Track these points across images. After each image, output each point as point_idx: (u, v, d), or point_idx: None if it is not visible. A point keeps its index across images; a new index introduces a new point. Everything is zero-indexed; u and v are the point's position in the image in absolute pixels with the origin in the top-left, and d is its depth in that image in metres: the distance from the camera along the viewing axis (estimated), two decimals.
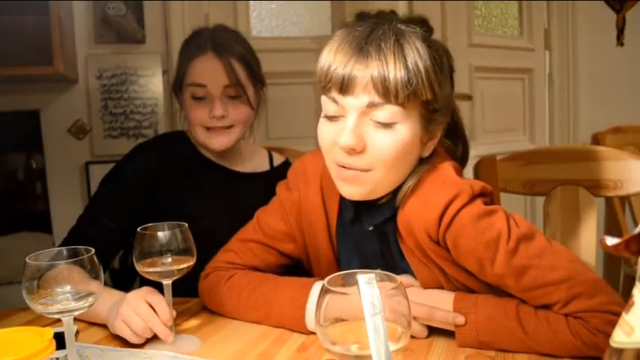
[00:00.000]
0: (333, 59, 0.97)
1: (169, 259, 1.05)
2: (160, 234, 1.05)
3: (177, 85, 1.51)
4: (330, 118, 1.00)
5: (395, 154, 0.97)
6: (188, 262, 1.06)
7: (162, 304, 1.06)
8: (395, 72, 0.93)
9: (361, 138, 0.96)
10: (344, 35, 0.98)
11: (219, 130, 1.47)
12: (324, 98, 1.01)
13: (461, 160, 1.17)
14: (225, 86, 1.44)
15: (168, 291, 1.07)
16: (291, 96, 2.43)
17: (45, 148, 2.25)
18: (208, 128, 1.46)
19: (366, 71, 0.94)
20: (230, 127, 1.47)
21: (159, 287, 1.08)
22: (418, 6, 2.45)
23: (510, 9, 3.05)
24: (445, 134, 1.10)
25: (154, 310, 1.05)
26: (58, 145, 2.26)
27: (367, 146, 0.97)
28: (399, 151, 0.98)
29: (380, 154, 0.97)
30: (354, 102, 0.96)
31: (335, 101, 0.98)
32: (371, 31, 0.97)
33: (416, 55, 0.95)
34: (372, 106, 0.95)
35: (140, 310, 1.04)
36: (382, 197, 1.05)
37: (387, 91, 0.93)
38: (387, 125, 0.96)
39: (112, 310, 1.08)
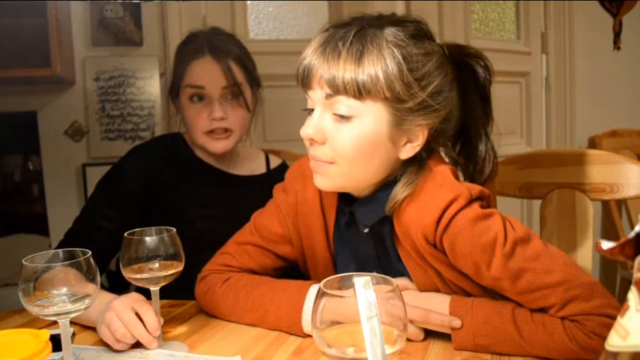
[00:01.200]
0: (302, 56, 1.03)
1: (157, 265, 1.03)
2: (148, 239, 1.03)
3: (174, 89, 1.51)
4: (309, 112, 1.04)
5: (353, 149, 0.99)
6: (176, 268, 1.04)
7: (150, 313, 1.04)
8: (344, 69, 0.96)
9: (321, 130, 1.00)
10: (317, 36, 1.03)
11: (219, 134, 1.47)
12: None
13: (472, 174, 1.14)
14: (223, 87, 1.45)
15: (155, 298, 1.06)
16: (289, 99, 2.40)
17: (42, 150, 2.25)
18: (208, 131, 1.47)
19: (319, 68, 0.99)
20: (229, 130, 1.47)
21: (149, 291, 1.07)
22: (415, 10, 2.45)
23: (507, 13, 3.06)
24: (453, 144, 1.11)
25: (141, 318, 1.03)
26: (55, 147, 2.26)
27: (327, 138, 1.01)
28: (358, 146, 0.99)
29: (338, 147, 1.00)
30: (314, 95, 1.01)
31: (307, 95, 1.04)
32: (336, 32, 1.00)
33: (374, 53, 0.96)
34: (329, 97, 0.99)
35: (124, 316, 1.02)
36: (364, 193, 1.07)
37: (335, 87, 0.97)
38: (345, 118, 0.99)
39: (101, 314, 1.07)
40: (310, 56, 1.01)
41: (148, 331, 1.02)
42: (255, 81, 1.53)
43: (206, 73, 1.45)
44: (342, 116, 0.99)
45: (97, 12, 2.24)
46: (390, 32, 0.99)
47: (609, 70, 3.10)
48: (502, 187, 1.48)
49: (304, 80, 1.02)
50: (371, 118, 0.98)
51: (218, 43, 1.47)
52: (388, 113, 0.99)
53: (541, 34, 3.10)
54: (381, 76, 0.95)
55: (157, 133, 2.30)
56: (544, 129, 3.16)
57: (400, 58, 0.97)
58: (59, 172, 2.27)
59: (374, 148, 1.00)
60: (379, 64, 0.96)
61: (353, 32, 0.98)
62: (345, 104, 0.98)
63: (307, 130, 1.01)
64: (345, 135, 0.99)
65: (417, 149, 1.03)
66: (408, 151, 1.03)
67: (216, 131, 1.47)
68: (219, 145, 1.48)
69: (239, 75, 1.47)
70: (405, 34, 1.00)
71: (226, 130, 1.47)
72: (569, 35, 3.09)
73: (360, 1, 2.24)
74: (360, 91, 0.96)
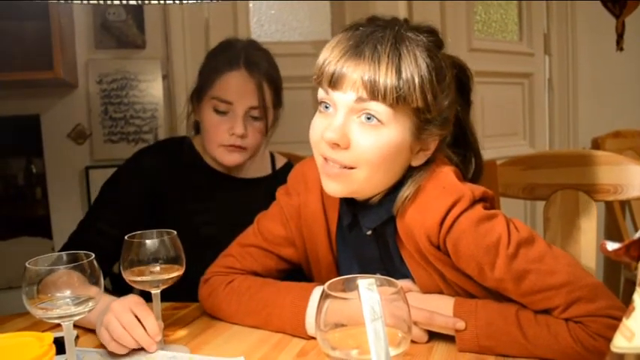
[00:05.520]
0: (329, 55, 0.99)
1: (157, 268, 1.03)
2: (148, 242, 1.03)
3: (197, 92, 1.49)
4: (322, 112, 1.02)
5: (378, 155, 0.98)
6: (177, 272, 1.04)
7: (150, 317, 1.03)
8: (386, 74, 0.94)
9: (345, 135, 0.97)
10: (345, 34, 1.00)
11: (234, 148, 1.46)
12: (319, 90, 1.02)
13: (473, 177, 1.15)
14: (250, 107, 1.44)
15: (156, 301, 1.05)
16: (291, 101, 2.40)
17: (45, 153, 2.25)
18: (224, 144, 1.46)
19: (357, 69, 0.95)
20: (244, 147, 1.47)
21: (150, 294, 1.06)
22: (418, 11, 2.45)
23: (510, 14, 3.06)
24: (452, 148, 1.11)
25: (140, 321, 1.02)
26: (58, 150, 2.26)
27: (351, 143, 0.98)
28: (383, 153, 0.98)
29: (363, 153, 0.97)
30: (342, 97, 0.97)
31: (326, 93, 1.00)
32: (371, 32, 0.98)
33: (411, 61, 0.95)
34: (360, 101, 0.96)
35: (124, 319, 1.01)
36: (372, 197, 1.05)
37: (375, 91, 0.94)
38: (374, 125, 0.97)
39: (100, 315, 1.07)
40: (343, 57, 0.97)
41: (148, 334, 1.02)
42: (280, 101, 1.53)
43: (238, 88, 1.43)
44: (370, 123, 0.97)
45: (99, 15, 2.24)
46: (421, 41, 0.98)
47: (612, 71, 3.09)
48: (505, 189, 1.48)
49: (334, 81, 0.97)
50: (398, 127, 0.98)
51: (255, 59, 1.46)
52: (412, 123, 0.99)
53: (544, 36, 3.09)
54: (417, 84, 0.95)
55: (159, 136, 2.30)
56: (547, 130, 3.16)
57: (432, 68, 0.97)
58: (62, 175, 2.27)
59: (396, 155, 1.00)
60: (416, 73, 0.95)
61: (391, 35, 0.96)
62: (377, 110, 0.96)
63: (330, 134, 0.97)
64: (372, 141, 0.97)
65: (428, 156, 1.04)
66: (420, 159, 1.04)
67: (232, 145, 1.46)
68: (232, 158, 1.47)
69: (268, 96, 1.46)
70: (432, 45, 1.00)
71: (241, 146, 1.46)
72: (572, 36, 3.08)
73: (362, 2, 2.24)
74: (397, 99, 0.94)
